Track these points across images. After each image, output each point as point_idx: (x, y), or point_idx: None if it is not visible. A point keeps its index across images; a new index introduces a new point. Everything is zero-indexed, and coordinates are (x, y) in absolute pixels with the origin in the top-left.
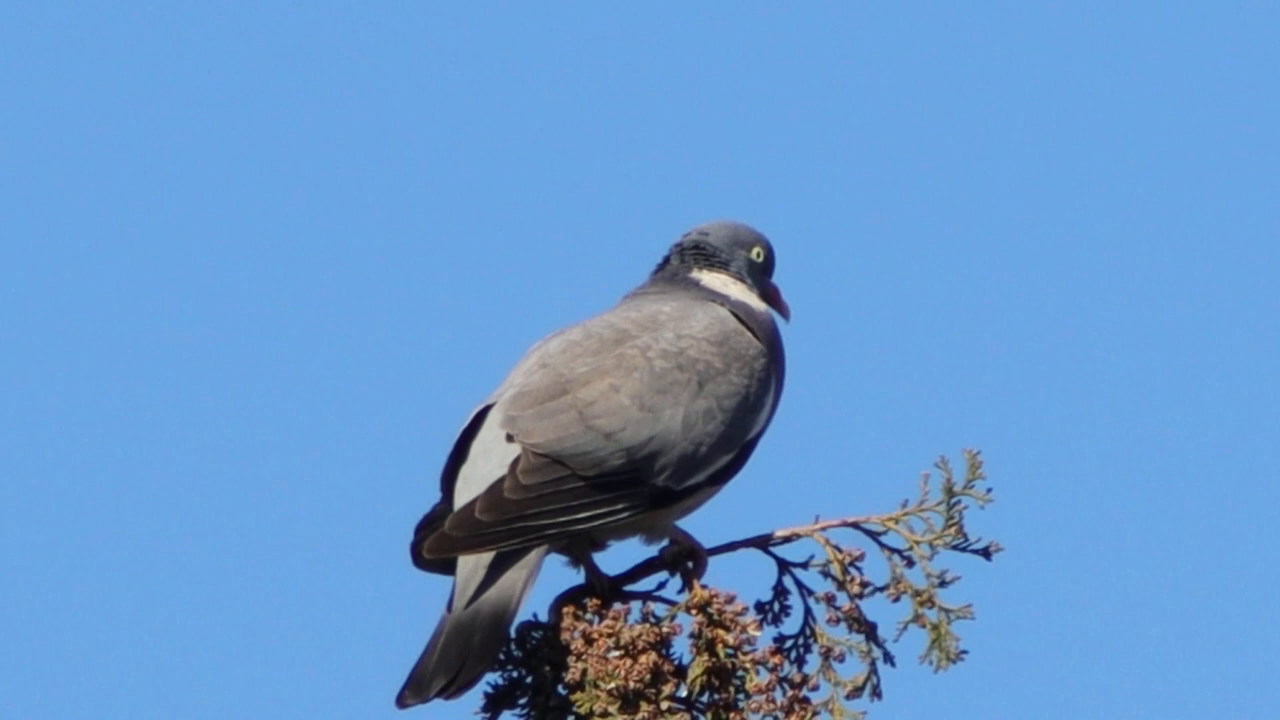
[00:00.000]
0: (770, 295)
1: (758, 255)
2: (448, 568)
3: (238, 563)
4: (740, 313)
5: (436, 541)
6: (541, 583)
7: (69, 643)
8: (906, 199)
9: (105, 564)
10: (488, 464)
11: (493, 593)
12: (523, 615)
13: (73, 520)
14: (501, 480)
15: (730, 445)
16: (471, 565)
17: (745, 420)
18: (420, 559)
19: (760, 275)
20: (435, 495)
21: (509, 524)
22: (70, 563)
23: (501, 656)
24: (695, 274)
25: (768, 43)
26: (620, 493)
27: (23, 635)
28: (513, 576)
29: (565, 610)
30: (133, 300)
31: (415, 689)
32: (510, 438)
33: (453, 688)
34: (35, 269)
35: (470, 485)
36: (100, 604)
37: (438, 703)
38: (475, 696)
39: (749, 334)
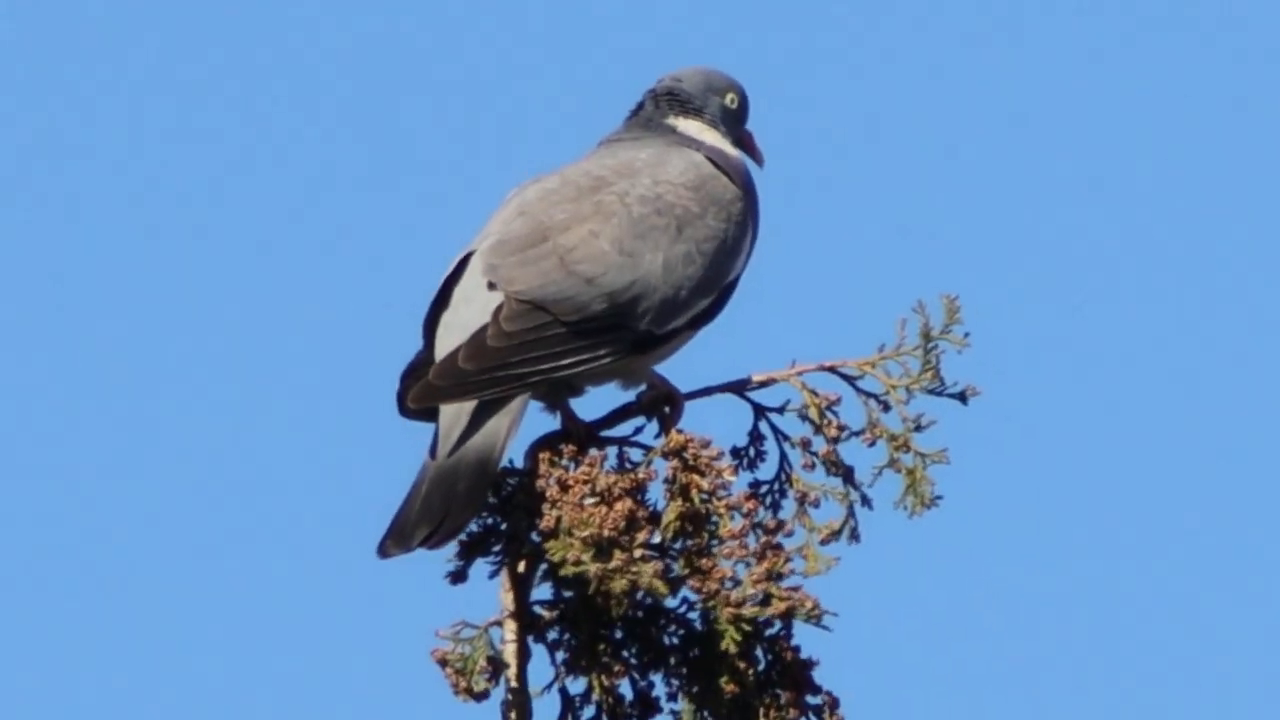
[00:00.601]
0: (744, 141)
1: (731, 101)
2: (432, 415)
3: (223, 408)
4: (715, 158)
5: (421, 391)
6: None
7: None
8: (882, 40)
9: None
10: (469, 311)
11: (476, 440)
12: (504, 464)
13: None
14: (484, 328)
15: (709, 288)
16: (454, 413)
17: (723, 264)
18: (405, 407)
19: (734, 122)
20: (418, 342)
21: (492, 372)
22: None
23: None
24: (670, 120)
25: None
26: (603, 338)
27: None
28: (496, 423)
29: (541, 456)
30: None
31: (398, 538)
32: (492, 285)
33: (436, 536)
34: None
35: (452, 333)
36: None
37: (418, 552)
38: (446, 547)
39: (725, 178)
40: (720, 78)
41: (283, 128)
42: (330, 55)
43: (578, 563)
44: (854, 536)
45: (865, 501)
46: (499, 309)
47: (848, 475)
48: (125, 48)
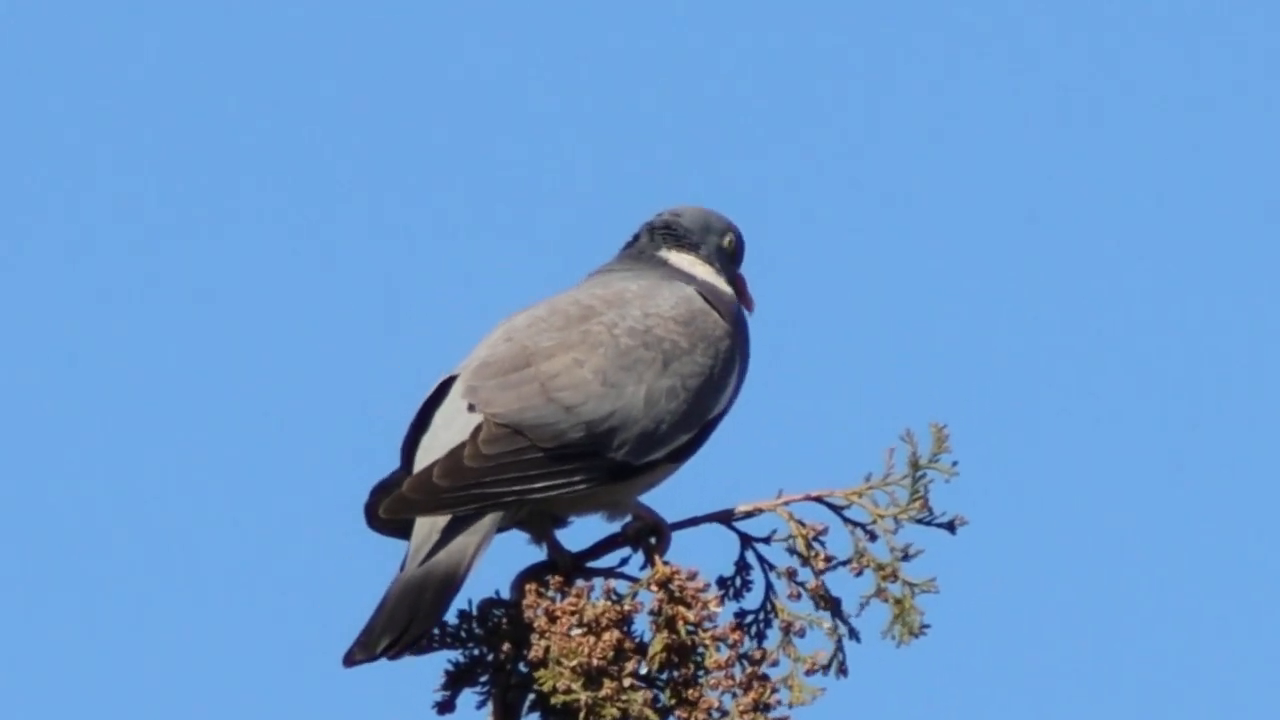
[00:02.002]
0: (737, 285)
1: (729, 243)
2: (403, 531)
3: (194, 525)
4: (707, 293)
5: (394, 503)
6: (504, 560)
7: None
8: (867, 179)
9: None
10: (448, 434)
11: (444, 555)
12: (473, 580)
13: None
14: (462, 446)
15: (691, 424)
16: (426, 529)
17: (708, 400)
18: (376, 520)
19: (728, 263)
20: (394, 462)
21: (466, 490)
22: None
23: (463, 634)
24: (664, 253)
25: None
26: (578, 464)
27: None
28: (465, 540)
29: (528, 587)
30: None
31: (363, 646)
32: (472, 407)
33: (398, 645)
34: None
35: (430, 454)
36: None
37: (395, 672)
38: (435, 674)
39: (715, 314)
40: (719, 219)
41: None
42: (319, 162)
43: (568, 691)
44: (842, 670)
45: (853, 635)
46: (478, 430)
47: (835, 608)
48: (113, 55)
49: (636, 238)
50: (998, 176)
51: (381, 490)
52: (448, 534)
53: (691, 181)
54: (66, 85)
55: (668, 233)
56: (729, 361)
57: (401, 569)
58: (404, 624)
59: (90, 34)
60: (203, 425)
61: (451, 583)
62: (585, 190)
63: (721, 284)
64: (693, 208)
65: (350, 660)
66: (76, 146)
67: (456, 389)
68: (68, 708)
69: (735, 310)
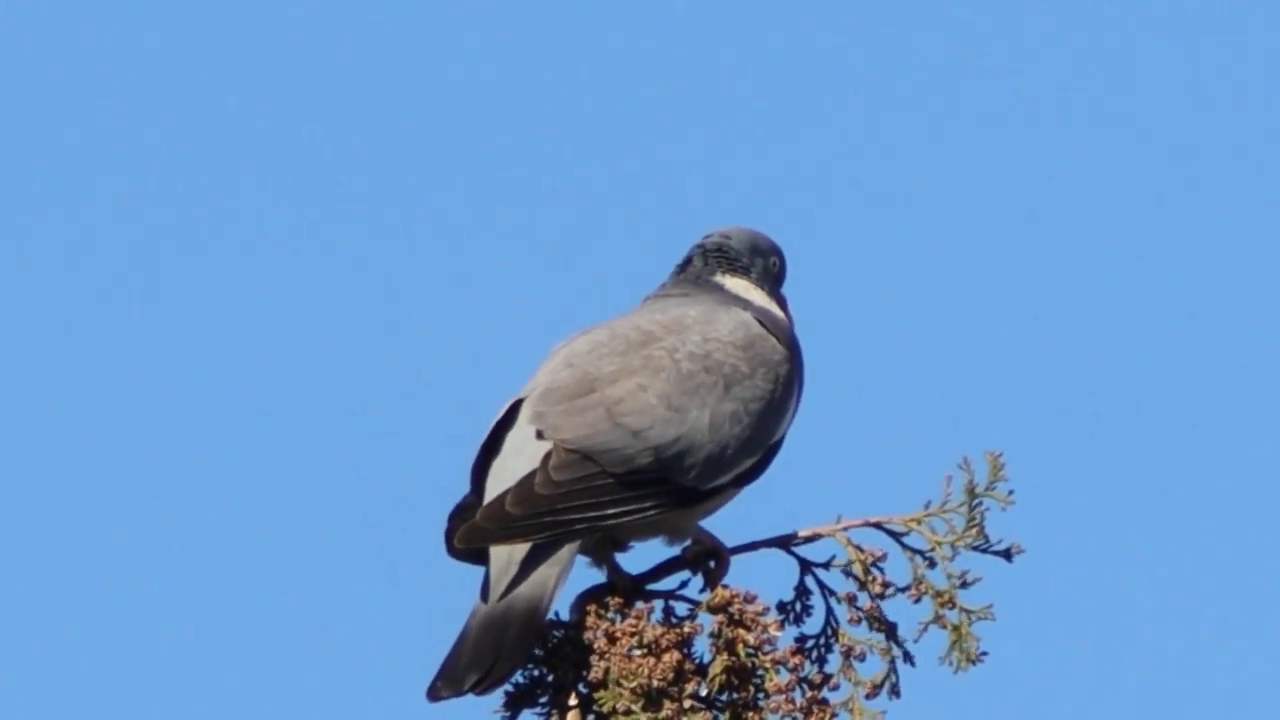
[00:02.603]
0: (782, 307)
1: (773, 265)
2: (478, 557)
3: (272, 551)
4: (763, 318)
5: (468, 532)
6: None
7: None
8: (925, 194)
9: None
10: (518, 461)
11: (525, 588)
12: (553, 613)
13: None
14: (533, 474)
15: (755, 448)
16: (504, 559)
17: (770, 423)
18: (452, 547)
19: (774, 285)
20: (465, 486)
21: (539, 518)
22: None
23: None
24: (719, 278)
25: (780, 50)
26: (648, 490)
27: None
28: (545, 572)
29: (588, 609)
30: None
31: (448, 681)
32: (540, 434)
33: (486, 682)
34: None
35: (500, 482)
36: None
37: (466, 698)
38: (495, 694)
39: (773, 339)
40: (765, 240)
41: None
42: (338, 203)
43: (628, 712)
44: (894, 692)
45: (907, 658)
46: (548, 457)
47: (890, 631)
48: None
49: (689, 260)
50: (1063, 207)
51: (458, 516)
52: (527, 566)
53: (736, 200)
54: (58, 83)
55: (721, 256)
56: (788, 385)
57: (483, 599)
58: (490, 660)
59: (83, 31)
60: (269, 449)
61: (535, 618)
62: (617, 201)
63: (775, 308)
64: (740, 229)
65: (435, 695)
66: (75, 145)
67: (524, 415)
68: None
69: (790, 333)
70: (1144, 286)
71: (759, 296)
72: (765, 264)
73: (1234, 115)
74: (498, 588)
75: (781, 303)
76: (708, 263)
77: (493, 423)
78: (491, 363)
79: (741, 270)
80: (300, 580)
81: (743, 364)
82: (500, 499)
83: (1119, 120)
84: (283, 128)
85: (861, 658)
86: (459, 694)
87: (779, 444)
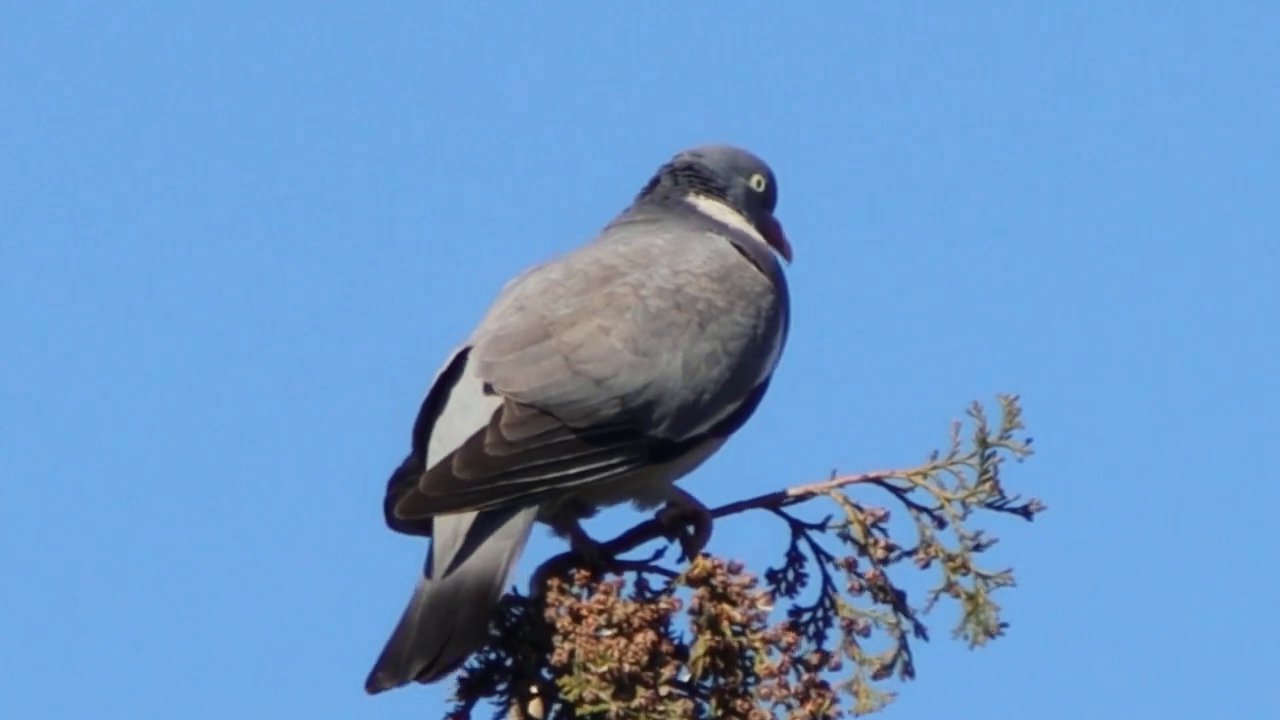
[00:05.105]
0: (770, 231)
1: (758, 184)
2: (422, 529)
3: (185, 526)
4: (742, 244)
5: (410, 501)
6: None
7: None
8: (929, 123)
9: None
10: (465, 420)
11: (476, 562)
12: (509, 589)
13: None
14: (483, 433)
15: (736, 392)
16: (450, 530)
17: (752, 364)
18: (392, 518)
19: (759, 207)
20: (406, 448)
21: (491, 482)
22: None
23: None
24: (690, 199)
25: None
26: (615, 445)
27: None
28: (498, 544)
29: (549, 583)
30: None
31: (391, 670)
32: (489, 388)
33: (434, 670)
34: None
35: (446, 444)
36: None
37: (411, 686)
38: (446, 682)
39: (753, 268)
40: (746, 157)
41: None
42: (315, 123)
43: (596, 701)
44: (907, 671)
45: (920, 631)
46: (499, 413)
47: (898, 601)
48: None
49: (656, 182)
50: (1068, 136)
51: (398, 483)
52: (476, 537)
53: (720, 116)
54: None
55: (691, 175)
56: (772, 320)
57: (427, 577)
58: (438, 645)
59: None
60: (195, 409)
61: (488, 596)
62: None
63: (755, 233)
64: (716, 145)
65: (375, 686)
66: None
67: (470, 366)
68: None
69: (774, 262)
70: (1171, 216)
71: (737, 220)
72: (746, 184)
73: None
74: (444, 563)
75: (771, 229)
76: (677, 183)
77: (436, 376)
78: (434, 306)
79: (717, 191)
80: (221, 557)
81: (719, 298)
82: (446, 463)
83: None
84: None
85: (865, 632)
86: (402, 683)
87: (763, 388)
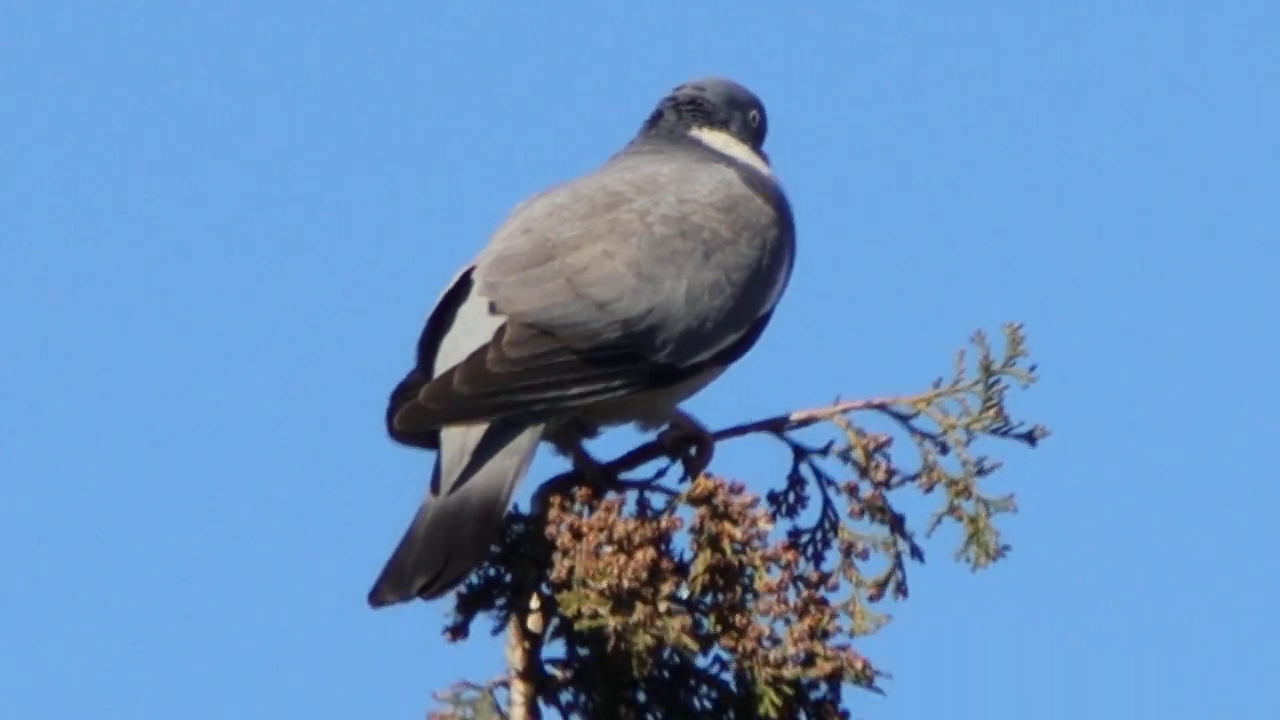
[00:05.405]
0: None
1: (753, 119)
2: (427, 442)
3: (192, 435)
4: (748, 175)
5: (410, 413)
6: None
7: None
8: (937, 40)
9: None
10: (469, 338)
11: (481, 478)
12: (511, 507)
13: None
14: (484, 350)
15: (739, 322)
16: (457, 446)
17: (756, 295)
18: (394, 430)
19: (754, 141)
20: (411, 363)
21: (490, 398)
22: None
23: None
24: (694, 132)
25: None
26: (617, 368)
27: None
28: (504, 461)
29: (550, 500)
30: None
31: (394, 584)
32: (493, 307)
33: (437, 585)
34: None
35: (449, 360)
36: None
37: (414, 601)
38: (446, 598)
39: (759, 199)
40: (742, 91)
41: (272, 124)
42: (325, 48)
43: (595, 616)
44: (900, 590)
45: (915, 553)
46: (501, 332)
47: (896, 524)
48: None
49: (659, 115)
50: (1079, 51)
51: (401, 395)
52: (483, 453)
53: (711, 52)
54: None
55: (696, 109)
56: (777, 252)
57: (433, 492)
58: (442, 560)
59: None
60: (204, 319)
61: (493, 512)
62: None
63: (760, 165)
64: (715, 79)
65: (378, 600)
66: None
67: (475, 286)
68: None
69: (779, 194)
70: (1177, 128)
71: (742, 152)
72: (744, 118)
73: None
74: (450, 478)
75: (765, 161)
76: (681, 116)
77: (442, 294)
78: (441, 227)
79: (720, 124)
80: (228, 467)
81: (724, 228)
82: (447, 376)
83: None
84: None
85: (864, 555)
86: (406, 598)
87: (766, 318)
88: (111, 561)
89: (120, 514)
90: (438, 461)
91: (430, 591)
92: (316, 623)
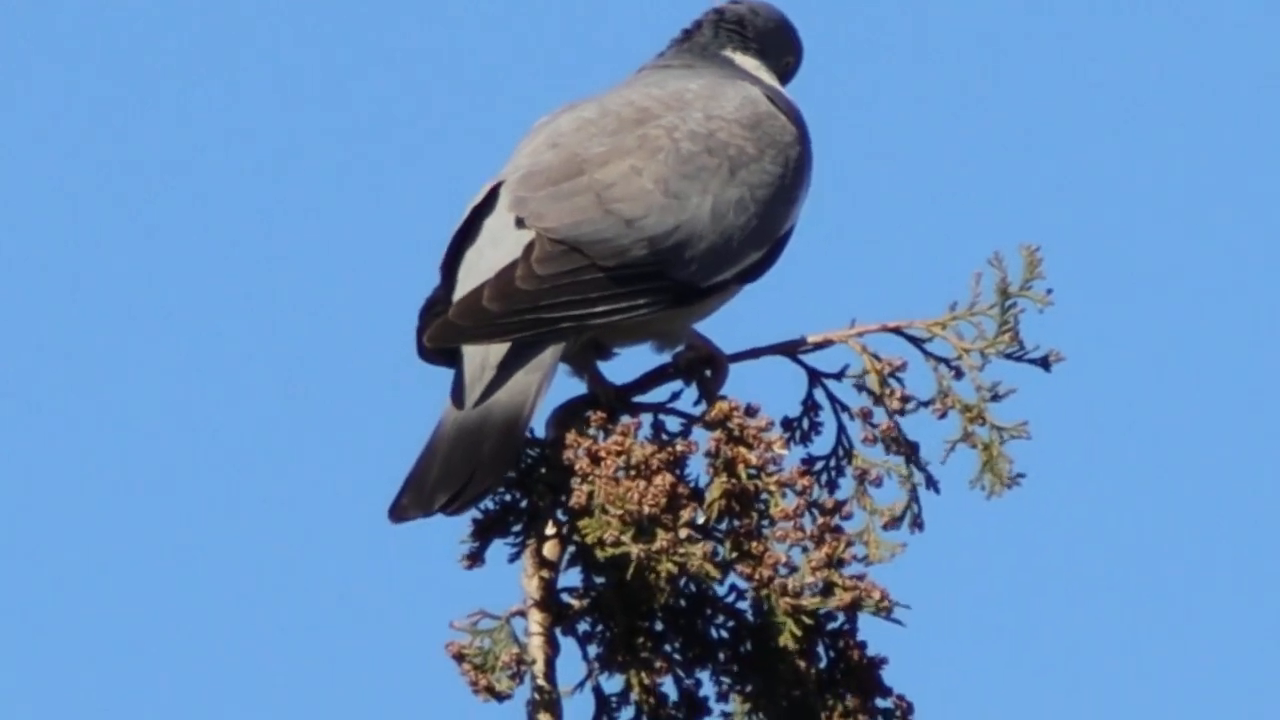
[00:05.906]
0: None
1: (787, 64)
2: (449, 359)
3: (220, 349)
4: (773, 96)
5: (440, 329)
6: None
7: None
8: None
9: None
10: (496, 252)
11: (503, 395)
12: (532, 425)
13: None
14: (513, 266)
15: (762, 240)
16: (479, 362)
17: (779, 213)
18: (421, 347)
19: (780, 82)
20: (435, 278)
21: (519, 315)
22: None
23: None
24: (727, 52)
25: None
26: (642, 286)
27: None
28: (527, 377)
29: (567, 424)
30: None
31: (415, 499)
32: (521, 222)
33: (459, 501)
34: None
35: (475, 275)
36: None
37: (434, 519)
38: (463, 520)
39: (783, 118)
40: (791, 36)
41: (278, 69)
42: None
43: (617, 543)
44: (916, 524)
45: (931, 484)
46: (530, 247)
47: (910, 454)
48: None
49: (697, 27)
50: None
51: (428, 312)
52: (505, 369)
53: None
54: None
55: (735, 31)
56: (799, 171)
57: (455, 406)
58: (464, 476)
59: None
60: (240, 241)
61: (515, 428)
62: None
63: (785, 91)
64: (770, 9)
65: (400, 515)
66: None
67: (503, 200)
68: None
69: (800, 119)
70: (1199, 50)
71: (770, 77)
72: (779, 59)
73: None
74: (472, 394)
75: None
76: (718, 34)
77: (468, 209)
78: (467, 140)
79: (756, 52)
80: (249, 383)
81: (750, 145)
82: (476, 293)
83: None
84: None
85: (878, 482)
86: (428, 514)
87: (787, 236)
88: (136, 477)
89: (142, 430)
90: (458, 377)
91: (453, 508)
92: (334, 548)
